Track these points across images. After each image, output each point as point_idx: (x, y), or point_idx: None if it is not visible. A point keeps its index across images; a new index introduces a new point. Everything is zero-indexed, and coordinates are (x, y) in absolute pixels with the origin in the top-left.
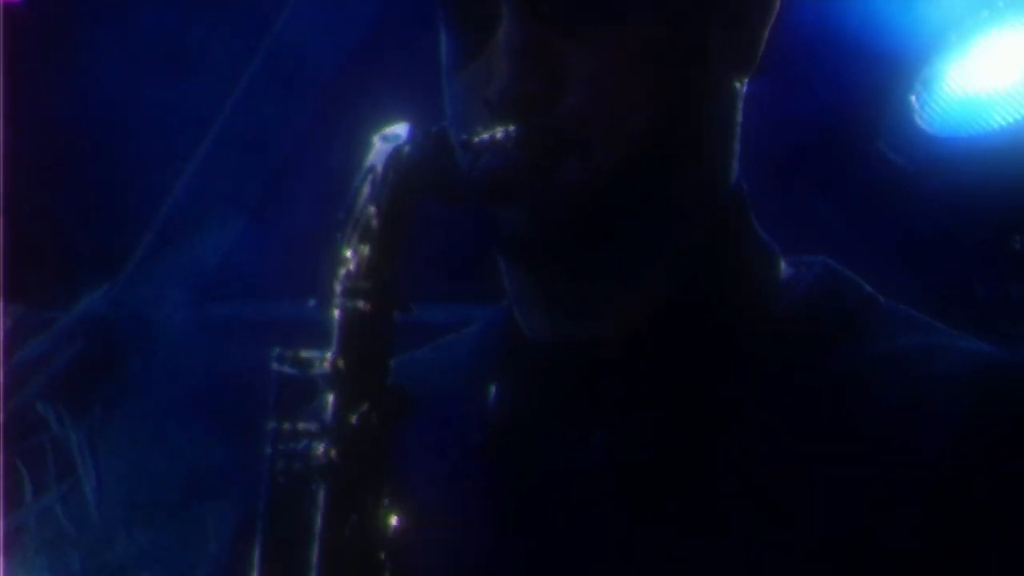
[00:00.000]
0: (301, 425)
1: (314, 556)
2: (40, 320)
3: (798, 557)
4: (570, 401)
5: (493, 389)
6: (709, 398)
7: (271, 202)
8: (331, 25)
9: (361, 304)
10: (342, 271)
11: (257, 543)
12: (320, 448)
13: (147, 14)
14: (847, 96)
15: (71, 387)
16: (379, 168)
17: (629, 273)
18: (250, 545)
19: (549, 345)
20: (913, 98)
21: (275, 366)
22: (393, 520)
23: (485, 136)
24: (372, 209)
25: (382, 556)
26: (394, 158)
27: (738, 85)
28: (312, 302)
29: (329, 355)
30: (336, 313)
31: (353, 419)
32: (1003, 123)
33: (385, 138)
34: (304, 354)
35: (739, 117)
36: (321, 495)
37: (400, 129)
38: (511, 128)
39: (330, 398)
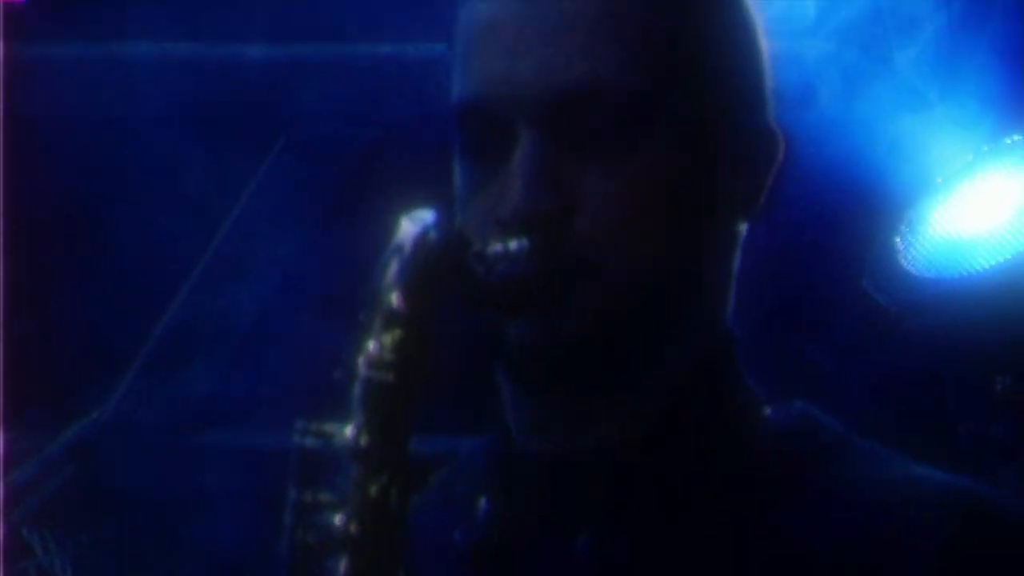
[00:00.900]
0: (322, 497)
1: None
2: (28, 447)
3: None
4: (556, 507)
5: (483, 500)
6: (687, 511)
7: (260, 333)
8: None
9: (385, 377)
10: (367, 345)
11: None
12: (340, 520)
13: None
14: (834, 237)
15: (58, 514)
16: (407, 247)
17: (624, 393)
18: None
19: (539, 456)
20: (898, 239)
21: (297, 438)
22: None
23: (499, 247)
24: (399, 286)
25: None
26: (422, 238)
27: (740, 228)
28: (337, 373)
29: (350, 428)
30: (358, 386)
31: (373, 491)
32: (986, 265)
33: (412, 219)
34: (326, 427)
35: (737, 260)
36: (340, 567)
37: (427, 213)
38: (524, 241)
39: (351, 470)
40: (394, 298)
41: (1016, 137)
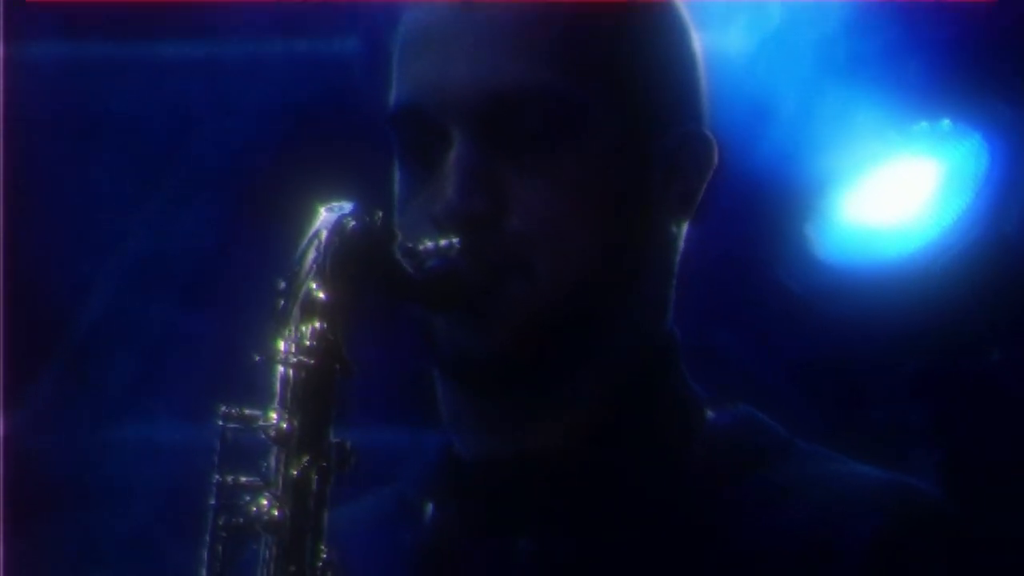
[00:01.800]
0: (244, 479)
1: None
2: None
3: None
4: (498, 512)
5: (430, 506)
6: (628, 512)
7: (175, 327)
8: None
9: (306, 362)
10: (287, 330)
11: None
12: (262, 502)
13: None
14: (746, 227)
15: None
16: (324, 234)
17: (558, 395)
18: None
19: (479, 460)
20: (810, 228)
21: (220, 422)
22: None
23: (430, 244)
24: (317, 273)
25: None
26: (339, 226)
27: (675, 229)
28: (257, 358)
29: (272, 412)
30: (280, 371)
31: (295, 474)
32: (897, 252)
33: (331, 208)
34: (248, 411)
35: (676, 261)
36: (263, 549)
37: (344, 202)
38: (455, 240)
39: (273, 454)
40: (313, 285)
41: (924, 125)
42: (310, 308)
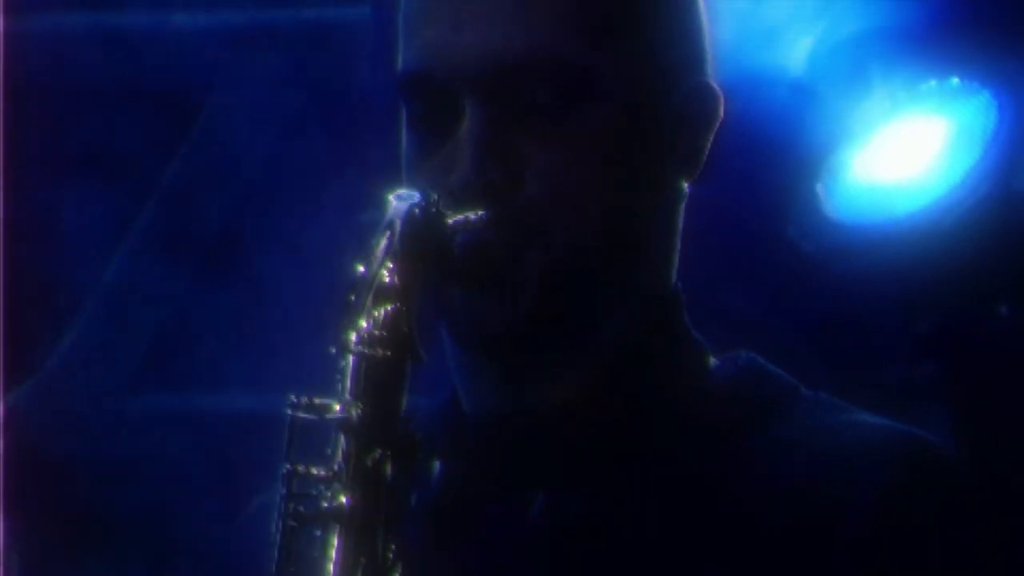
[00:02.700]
0: (314, 470)
1: None
2: None
3: None
4: (511, 468)
5: (436, 465)
6: (638, 466)
7: (197, 295)
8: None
9: (378, 352)
10: (360, 321)
11: None
12: (334, 493)
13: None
14: (757, 187)
15: None
16: (398, 224)
17: (571, 353)
18: None
19: (489, 418)
20: (820, 187)
21: (289, 411)
22: (399, 570)
23: (460, 218)
24: (391, 262)
25: None
26: (409, 215)
27: (682, 186)
28: (332, 350)
29: (343, 402)
30: (351, 361)
31: (368, 465)
32: (907, 210)
33: (400, 197)
34: (318, 400)
35: (681, 218)
36: (332, 539)
37: (411, 191)
38: (479, 212)
39: (342, 443)
40: (385, 273)
41: (933, 83)
42: (382, 297)
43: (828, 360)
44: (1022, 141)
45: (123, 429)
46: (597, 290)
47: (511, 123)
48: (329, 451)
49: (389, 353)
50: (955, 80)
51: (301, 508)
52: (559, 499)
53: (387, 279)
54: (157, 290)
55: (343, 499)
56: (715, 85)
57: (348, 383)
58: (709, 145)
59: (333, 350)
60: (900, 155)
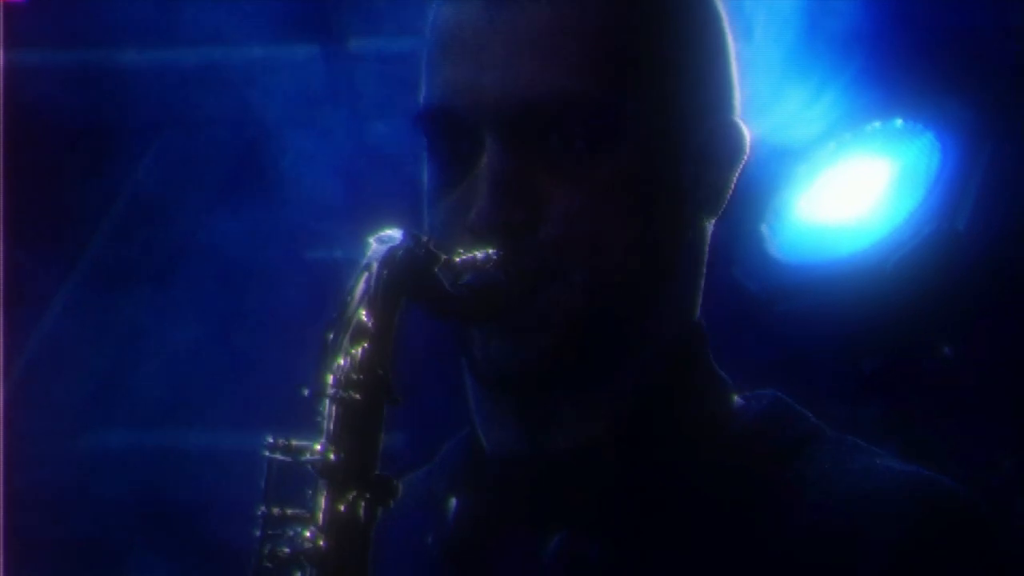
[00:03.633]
0: (290, 511)
1: None
2: None
3: None
4: (528, 508)
5: (453, 502)
6: (660, 505)
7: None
8: None
9: (354, 395)
10: (336, 363)
11: None
12: (307, 534)
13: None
14: None
15: None
16: (375, 266)
17: (593, 394)
18: None
19: (508, 458)
20: (765, 227)
21: (267, 453)
22: None
23: (467, 256)
24: (367, 305)
25: None
26: (389, 258)
27: (706, 224)
28: (305, 392)
29: (319, 444)
30: (328, 404)
31: (341, 507)
32: (851, 250)
33: (381, 240)
34: (295, 442)
35: (705, 256)
36: None
37: (395, 232)
38: (491, 251)
39: (319, 486)
40: (362, 316)
41: (877, 124)
42: (359, 339)
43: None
44: (965, 182)
45: (70, 465)
46: (618, 331)
47: (532, 162)
48: (309, 492)
49: (364, 396)
50: (899, 121)
51: (277, 549)
52: (575, 541)
53: (364, 320)
54: (102, 327)
55: (319, 541)
56: (741, 124)
57: (326, 425)
58: (733, 183)
59: (306, 392)
60: (844, 196)
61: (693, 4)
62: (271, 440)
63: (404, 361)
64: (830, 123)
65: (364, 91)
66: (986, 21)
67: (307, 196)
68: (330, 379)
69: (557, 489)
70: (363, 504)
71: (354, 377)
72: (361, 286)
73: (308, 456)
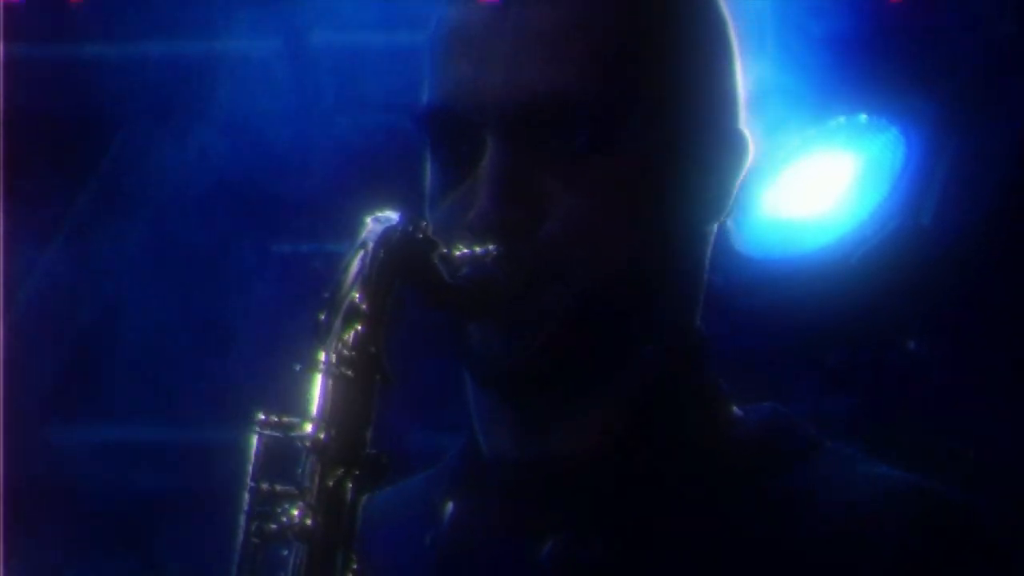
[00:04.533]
0: (279, 487)
1: None
2: None
3: None
4: (524, 512)
5: (450, 506)
6: (657, 511)
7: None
8: None
9: (346, 372)
10: (328, 341)
11: None
12: (296, 511)
13: None
14: None
15: None
16: (371, 246)
17: (592, 397)
18: None
19: (507, 462)
20: (729, 222)
21: (256, 429)
22: None
23: (466, 251)
24: (361, 284)
25: None
26: (385, 237)
27: (709, 230)
28: (297, 367)
29: (309, 421)
30: (319, 380)
31: (330, 484)
32: (816, 245)
33: (377, 220)
34: (285, 418)
35: (707, 262)
36: (294, 557)
37: (392, 213)
38: (491, 247)
39: (308, 463)
40: (356, 295)
41: (842, 119)
42: (352, 318)
43: (738, 394)
44: (930, 177)
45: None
46: (615, 333)
47: (533, 162)
48: (300, 470)
49: (356, 373)
50: (863, 116)
51: (264, 526)
52: (571, 545)
53: (358, 300)
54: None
55: (307, 518)
56: (745, 132)
57: (316, 402)
58: (736, 189)
59: (298, 368)
60: (808, 190)
61: (701, 9)
62: (261, 416)
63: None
64: (794, 118)
65: (327, 86)
66: (951, 16)
67: (272, 191)
68: (322, 356)
69: (554, 494)
70: (352, 481)
71: (346, 354)
72: (356, 265)
73: (298, 433)
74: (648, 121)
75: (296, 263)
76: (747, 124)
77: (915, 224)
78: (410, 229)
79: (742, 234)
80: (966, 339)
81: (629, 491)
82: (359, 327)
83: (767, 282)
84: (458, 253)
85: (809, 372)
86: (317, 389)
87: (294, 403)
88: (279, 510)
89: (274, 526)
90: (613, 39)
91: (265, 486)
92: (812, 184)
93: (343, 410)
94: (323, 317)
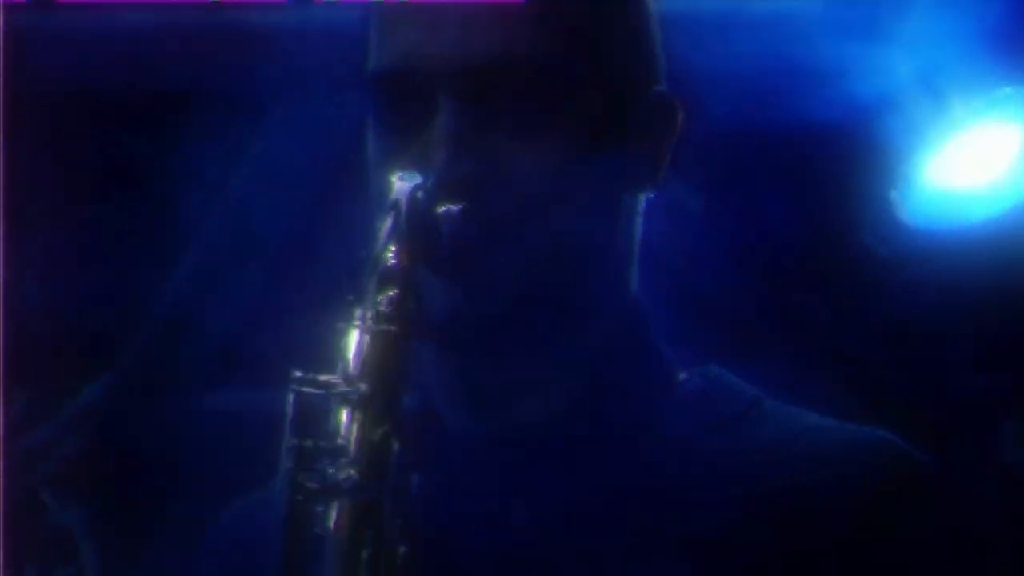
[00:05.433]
0: (322, 444)
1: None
2: (48, 405)
3: None
4: (489, 478)
5: (415, 478)
6: (616, 473)
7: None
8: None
9: (385, 328)
10: (368, 297)
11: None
12: (340, 466)
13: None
14: (833, 192)
15: (74, 475)
16: (403, 204)
17: (543, 363)
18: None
19: (468, 429)
20: (895, 193)
21: (294, 387)
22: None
23: (444, 208)
24: (397, 240)
25: None
26: (414, 196)
27: (643, 196)
28: (338, 326)
29: (350, 377)
30: (357, 336)
31: (375, 439)
32: (982, 217)
33: (402, 177)
34: (323, 376)
35: (640, 230)
36: (338, 513)
37: (414, 173)
38: (464, 204)
39: (344, 418)
40: (391, 252)
41: (1009, 89)
42: (388, 276)
43: (902, 366)
44: None
45: (195, 427)
46: (565, 295)
47: (486, 122)
48: (334, 427)
49: (395, 328)
50: None
51: (308, 482)
52: (538, 510)
53: (392, 259)
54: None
55: (351, 473)
56: (673, 97)
57: (354, 359)
58: (669, 156)
59: (339, 325)
60: (975, 161)
61: None
62: (298, 374)
63: None
64: (961, 88)
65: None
66: None
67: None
68: (358, 313)
69: (515, 458)
70: (396, 435)
71: (384, 311)
72: (388, 223)
73: (336, 389)
74: (592, 85)
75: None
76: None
77: None
78: (429, 187)
79: (908, 204)
80: None
81: (585, 454)
82: (396, 283)
83: (932, 253)
84: (440, 210)
85: (973, 345)
86: (354, 345)
87: (330, 361)
88: (321, 467)
89: (318, 483)
90: (558, 4)
91: (308, 442)
92: (979, 155)
93: (381, 365)
94: (358, 273)
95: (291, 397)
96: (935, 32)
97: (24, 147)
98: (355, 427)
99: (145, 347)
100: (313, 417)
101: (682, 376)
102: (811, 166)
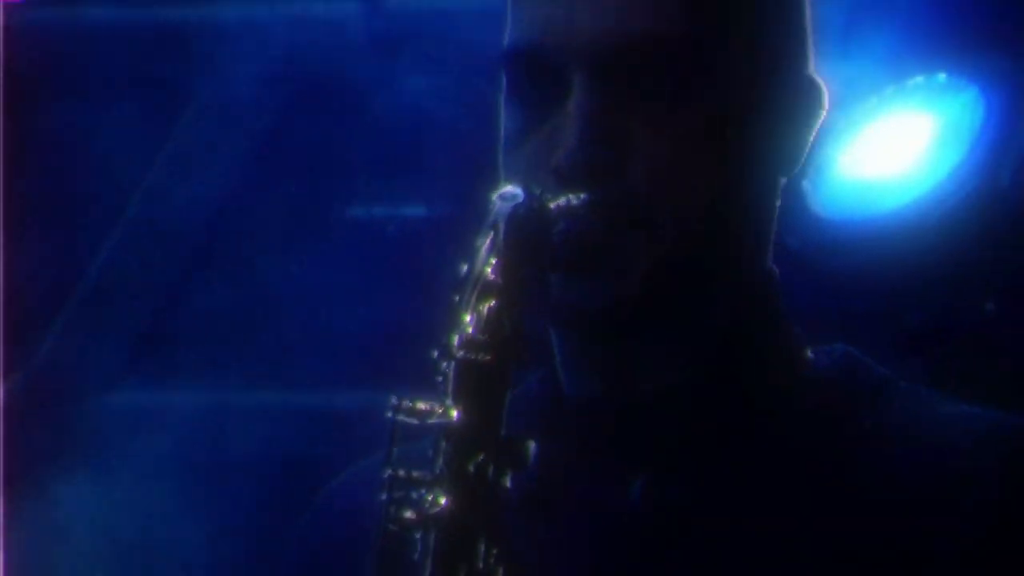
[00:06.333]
0: (415, 473)
1: None
2: None
3: None
4: (610, 452)
5: (532, 445)
6: (739, 454)
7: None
8: None
9: (481, 356)
10: (464, 323)
11: None
12: (434, 497)
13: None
14: None
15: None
16: (501, 224)
17: (675, 342)
18: None
19: (591, 400)
20: (806, 183)
21: (390, 415)
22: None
23: (561, 202)
24: (494, 264)
25: None
26: (514, 215)
27: (781, 180)
28: (434, 353)
29: (445, 406)
30: (454, 365)
31: (469, 469)
32: (893, 207)
33: (503, 197)
34: (420, 404)
35: (778, 208)
36: (432, 544)
37: (515, 190)
38: (581, 196)
39: (443, 447)
40: (488, 275)
41: (920, 78)
42: (485, 299)
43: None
44: (1008, 137)
45: (106, 424)
46: (700, 279)
47: (621, 104)
48: (430, 455)
49: (492, 357)
50: (942, 76)
51: (401, 512)
52: (659, 483)
53: (490, 279)
54: (140, 286)
55: (443, 502)
56: (819, 80)
57: (451, 387)
58: (812, 140)
59: (435, 354)
60: (886, 151)
61: None
62: (395, 401)
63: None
64: (872, 77)
65: (403, 48)
66: None
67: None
68: (456, 340)
69: (639, 432)
70: (492, 467)
71: (482, 338)
72: (487, 243)
73: (434, 418)
74: (734, 65)
75: (367, 229)
76: (825, 82)
77: (993, 185)
78: (534, 205)
79: (818, 195)
80: None
81: (712, 429)
82: (493, 308)
83: (844, 243)
84: (553, 205)
85: (886, 334)
86: (452, 373)
87: (425, 386)
88: (416, 496)
89: (412, 514)
90: None
91: (402, 472)
92: (890, 144)
93: (479, 395)
94: (457, 299)
95: (388, 423)
96: (845, 21)
97: None
98: (450, 456)
99: (54, 347)
100: (408, 444)
101: (811, 355)
102: None
